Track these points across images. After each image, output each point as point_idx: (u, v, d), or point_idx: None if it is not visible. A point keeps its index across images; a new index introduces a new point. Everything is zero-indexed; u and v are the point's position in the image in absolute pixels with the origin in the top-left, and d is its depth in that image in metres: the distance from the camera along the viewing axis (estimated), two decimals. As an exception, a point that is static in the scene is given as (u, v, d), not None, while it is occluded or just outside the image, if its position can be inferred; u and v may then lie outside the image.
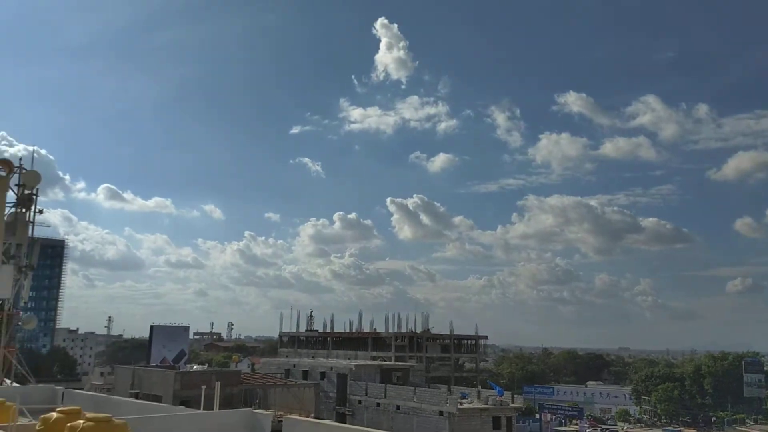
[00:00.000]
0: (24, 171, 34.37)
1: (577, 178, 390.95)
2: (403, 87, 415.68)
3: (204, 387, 19.48)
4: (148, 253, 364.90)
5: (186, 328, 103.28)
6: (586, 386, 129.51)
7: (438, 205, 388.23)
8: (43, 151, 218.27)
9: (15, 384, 31.56)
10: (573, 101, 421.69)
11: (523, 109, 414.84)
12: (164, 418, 16.22)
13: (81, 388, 37.93)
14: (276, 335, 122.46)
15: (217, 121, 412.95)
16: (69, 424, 12.26)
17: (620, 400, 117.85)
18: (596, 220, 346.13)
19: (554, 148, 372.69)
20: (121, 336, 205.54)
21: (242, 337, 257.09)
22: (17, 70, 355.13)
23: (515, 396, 62.28)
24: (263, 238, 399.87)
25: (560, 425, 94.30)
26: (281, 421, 15.31)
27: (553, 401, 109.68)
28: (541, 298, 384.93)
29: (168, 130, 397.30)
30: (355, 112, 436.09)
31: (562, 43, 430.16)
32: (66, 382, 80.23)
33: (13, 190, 35.01)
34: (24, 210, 34.74)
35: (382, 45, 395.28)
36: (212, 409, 19.17)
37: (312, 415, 46.87)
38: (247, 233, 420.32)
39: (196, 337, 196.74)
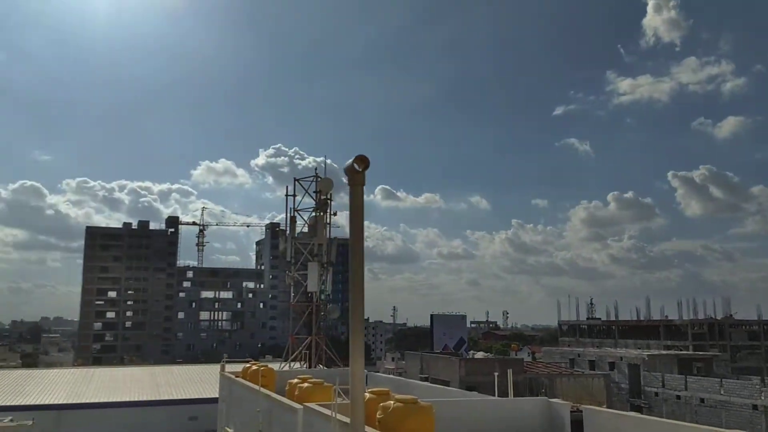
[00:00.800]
0: (319, 179, 38.94)
1: None
2: (677, 49, 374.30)
3: (496, 374, 19.56)
4: (422, 246, 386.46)
5: (463, 317, 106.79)
6: None
7: (730, 175, 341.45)
8: (329, 161, 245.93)
9: (325, 368, 35.68)
10: None
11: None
12: (462, 402, 16.65)
13: (377, 372, 41.56)
14: (553, 323, 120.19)
15: (474, 114, 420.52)
16: (381, 404, 13.25)
17: None
18: None
19: None
20: (404, 324, 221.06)
21: (518, 326, 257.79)
22: (305, 87, 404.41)
23: None
24: (531, 225, 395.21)
25: None
26: (579, 411, 14.56)
27: None
28: None
29: (432, 128, 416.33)
30: (624, 84, 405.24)
31: None
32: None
33: (311, 196, 39.86)
34: (322, 213, 39.22)
35: (650, 8, 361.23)
36: (501, 396, 19.16)
37: (604, 406, 44.67)
38: (514, 221, 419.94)
39: (472, 325, 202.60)
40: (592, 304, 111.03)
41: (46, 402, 49.67)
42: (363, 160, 6.13)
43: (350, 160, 6.26)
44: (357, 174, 6.29)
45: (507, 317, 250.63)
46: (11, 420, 40.78)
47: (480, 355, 71.80)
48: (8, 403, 47.22)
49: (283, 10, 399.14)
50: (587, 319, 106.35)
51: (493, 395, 19.35)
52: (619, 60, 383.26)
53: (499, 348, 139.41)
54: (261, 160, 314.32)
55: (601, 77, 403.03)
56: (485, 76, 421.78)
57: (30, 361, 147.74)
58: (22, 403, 48.14)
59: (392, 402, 12.23)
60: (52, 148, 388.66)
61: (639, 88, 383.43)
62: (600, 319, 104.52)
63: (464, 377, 50.06)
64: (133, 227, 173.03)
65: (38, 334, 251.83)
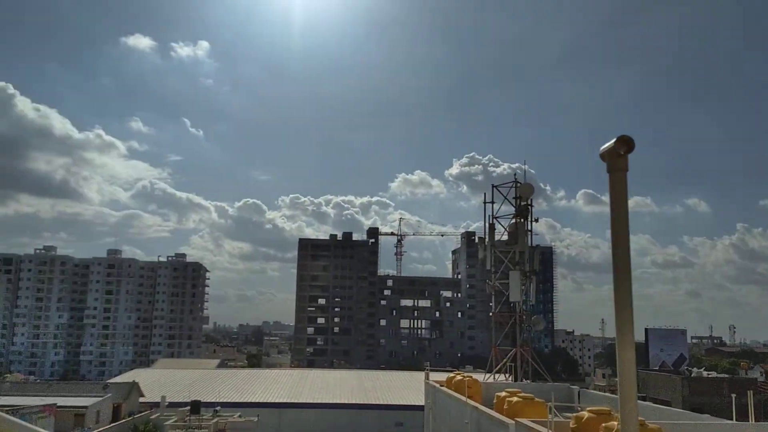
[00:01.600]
0: (519, 185, 37.77)
1: None
2: None
3: (733, 396, 17.05)
4: (632, 254, 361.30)
5: (683, 332, 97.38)
6: None
7: None
8: (524, 167, 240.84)
9: (531, 382, 34.24)
10: None
11: None
12: (696, 426, 14.69)
13: (586, 388, 38.93)
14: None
15: (690, 108, 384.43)
16: (603, 425, 12.07)
17: None
18: None
19: None
20: (614, 338, 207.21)
21: (747, 341, 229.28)
22: (496, 93, 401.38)
23: None
24: (760, 229, 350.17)
25: None
26: None
27: None
28: None
29: (638, 125, 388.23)
30: None
31: None
32: (569, 381, 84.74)
33: (510, 203, 38.77)
34: (522, 220, 37.94)
35: None
36: (730, 419, 16.66)
37: None
38: (740, 226, 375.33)
39: (693, 341, 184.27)
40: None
41: (269, 400, 54.38)
42: (626, 142, 5.32)
43: (609, 144, 5.48)
44: (619, 158, 5.50)
45: (734, 332, 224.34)
46: (240, 415, 45.26)
47: (706, 374, 64.75)
48: (237, 400, 52.60)
49: (473, 18, 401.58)
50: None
51: (727, 419, 17.00)
52: None
53: (726, 366, 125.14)
54: (455, 169, 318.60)
55: None
56: (704, 63, 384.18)
57: (254, 362, 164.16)
58: (249, 401, 53.27)
59: (616, 423, 11.05)
60: (268, 168, 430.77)
61: None
62: None
63: (688, 397, 45.22)
64: (338, 238, 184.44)
65: (261, 337, 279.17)
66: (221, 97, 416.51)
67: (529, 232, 38.26)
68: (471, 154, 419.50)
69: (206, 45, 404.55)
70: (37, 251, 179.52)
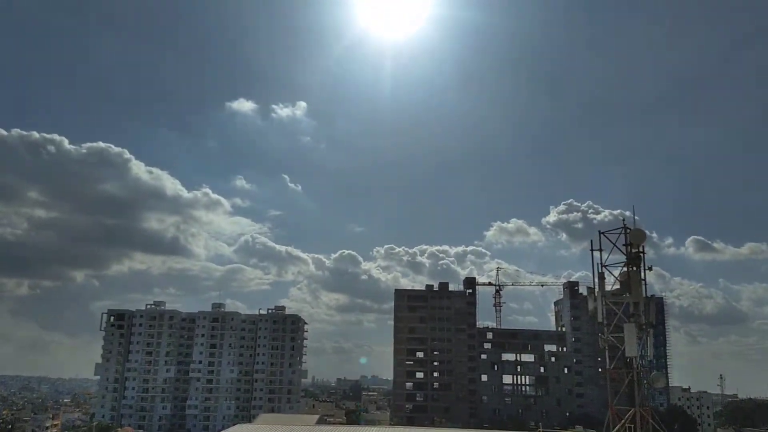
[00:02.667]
0: (629, 230, 34.92)
1: None
2: None
3: None
4: (749, 304, 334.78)
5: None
6: None
7: None
8: (627, 213, 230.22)
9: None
10: None
11: None
12: None
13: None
14: None
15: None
16: None
17: None
18: None
19: None
20: (735, 395, 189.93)
21: None
22: (590, 138, 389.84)
23: None
24: None
25: None
26: None
27: None
28: None
29: (750, 169, 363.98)
30: None
31: None
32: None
33: (620, 250, 35.84)
34: (635, 268, 34.92)
35: None
36: None
37: None
38: None
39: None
40: None
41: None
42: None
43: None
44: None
45: None
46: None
47: None
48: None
49: (566, 62, 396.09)
50: None
51: None
52: None
53: None
54: (552, 216, 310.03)
55: None
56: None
57: (353, 418, 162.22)
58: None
59: None
60: (364, 220, 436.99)
61: None
62: None
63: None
64: (434, 289, 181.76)
65: (359, 391, 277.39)
66: (318, 153, 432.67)
67: (643, 282, 35.20)
68: (569, 201, 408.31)
69: (304, 105, 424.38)
70: (148, 306, 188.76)
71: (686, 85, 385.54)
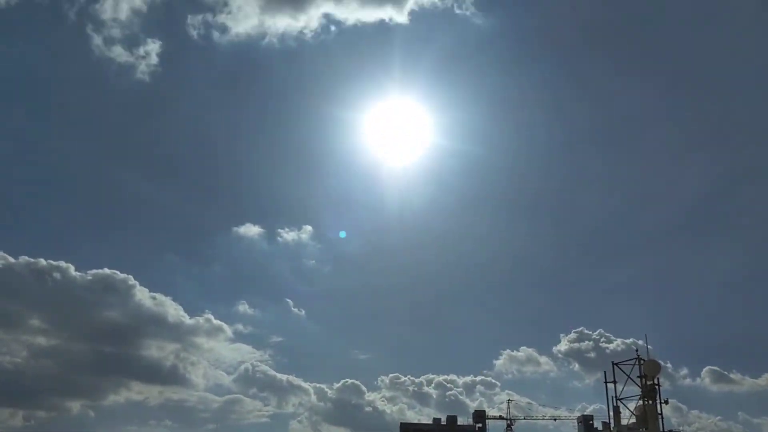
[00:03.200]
0: (643, 362, 34.68)
1: None
2: None
3: None
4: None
5: None
6: None
7: None
8: (640, 342, 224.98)
9: None
10: None
11: None
12: None
13: None
14: None
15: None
16: None
17: None
18: None
19: None
20: None
21: None
22: (598, 265, 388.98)
23: None
24: None
25: None
26: None
27: None
28: None
29: (755, 299, 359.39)
30: None
31: None
32: None
33: (635, 382, 35.36)
34: (650, 401, 34.29)
35: None
36: None
37: None
38: None
39: None
40: None
41: None
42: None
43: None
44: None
45: None
46: None
47: None
48: None
49: (573, 193, 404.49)
50: None
51: None
52: None
53: None
54: (563, 345, 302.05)
55: None
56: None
57: None
58: None
59: None
60: (368, 347, 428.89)
61: None
62: None
63: None
64: (442, 422, 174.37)
65: None
66: (323, 276, 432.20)
67: (660, 416, 34.38)
68: (579, 329, 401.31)
69: (309, 228, 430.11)
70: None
71: (698, 209, 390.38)
